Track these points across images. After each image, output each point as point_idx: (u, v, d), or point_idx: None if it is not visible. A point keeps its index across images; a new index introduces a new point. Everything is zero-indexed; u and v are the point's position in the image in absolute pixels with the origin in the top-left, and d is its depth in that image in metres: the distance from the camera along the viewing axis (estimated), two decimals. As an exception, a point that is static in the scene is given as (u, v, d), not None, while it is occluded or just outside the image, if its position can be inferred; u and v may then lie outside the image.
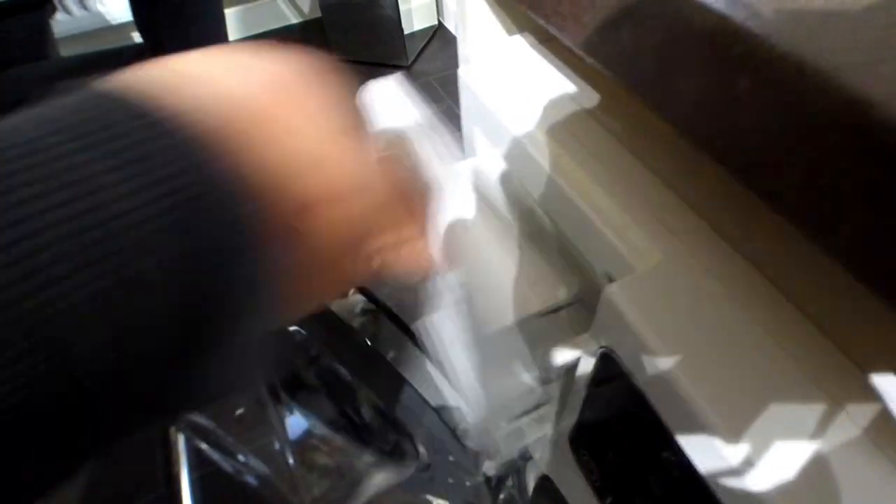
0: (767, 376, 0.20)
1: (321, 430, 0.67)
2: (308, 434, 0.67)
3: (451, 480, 0.65)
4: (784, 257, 0.22)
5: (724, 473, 0.19)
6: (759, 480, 0.18)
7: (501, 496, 0.65)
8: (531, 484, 0.54)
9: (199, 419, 0.63)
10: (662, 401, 0.20)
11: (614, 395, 0.23)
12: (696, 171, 0.23)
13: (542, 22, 0.25)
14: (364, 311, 0.55)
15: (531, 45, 0.33)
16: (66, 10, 1.67)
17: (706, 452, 0.19)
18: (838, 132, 0.15)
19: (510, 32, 0.36)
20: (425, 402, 0.53)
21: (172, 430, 0.68)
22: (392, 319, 0.54)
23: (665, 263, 0.21)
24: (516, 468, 0.57)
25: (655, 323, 0.20)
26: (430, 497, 0.72)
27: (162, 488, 1.14)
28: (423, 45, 1.90)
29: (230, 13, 1.95)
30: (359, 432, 0.66)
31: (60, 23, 1.67)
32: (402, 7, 1.70)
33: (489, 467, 0.56)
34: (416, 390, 0.53)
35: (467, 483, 0.62)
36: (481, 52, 0.34)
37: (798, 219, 0.16)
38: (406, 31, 1.78)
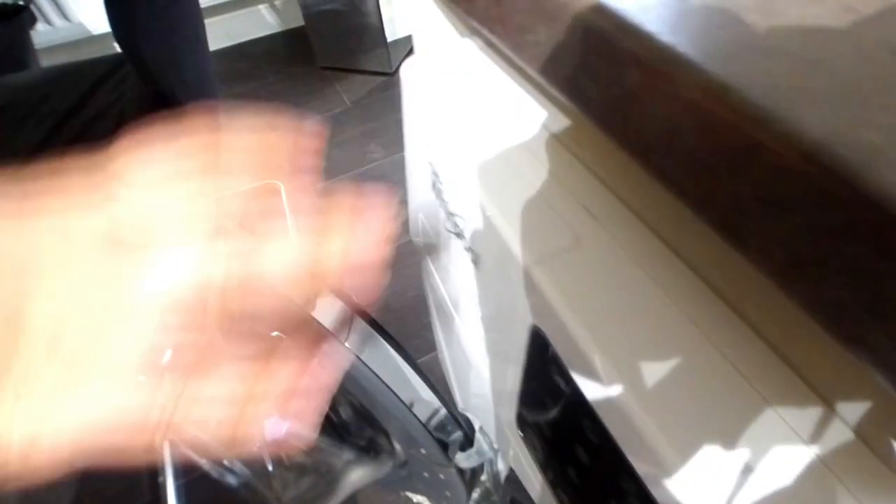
0: (682, 354, 0.22)
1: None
2: (286, 434, 0.68)
3: (426, 475, 0.66)
4: (693, 237, 0.23)
5: (637, 446, 0.20)
6: (672, 460, 0.19)
7: (477, 490, 0.66)
8: (503, 475, 0.55)
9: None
10: (581, 374, 0.21)
11: (547, 370, 0.25)
12: (615, 157, 0.25)
13: (475, 24, 0.27)
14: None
15: (479, 48, 0.35)
16: (48, 21, 1.67)
17: (620, 423, 0.21)
18: (705, 115, 0.16)
19: (462, 34, 0.37)
20: (398, 397, 0.54)
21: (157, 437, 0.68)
22: (364, 317, 0.55)
23: (586, 246, 0.23)
24: (488, 460, 0.58)
25: (573, 300, 0.21)
26: (409, 494, 0.73)
27: (147, 496, 1.13)
28: (406, 52, 1.92)
29: (214, 22, 1.96)
30: (336, 430, 0.67)
31: (41, 33, 1.68)
32: (385, 15, 1.72)
33: (461, 459, 0.57)
34: (388, 387, 0.54)
35: (441, 476, 0.63)
36: (429, 50, 0.36)
37: (682, 193, 0.18)
38: (389, 39, 1.80)
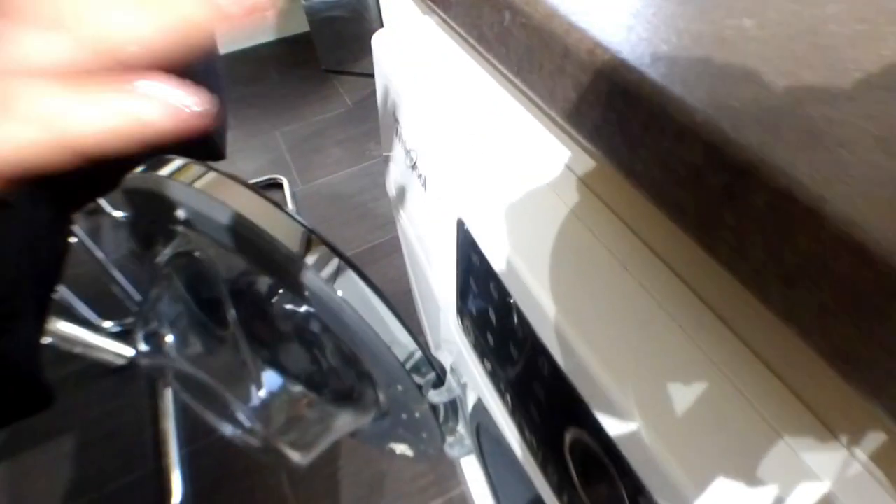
0: (572, 247, 0.28)
1: (293, 378, 0.75)
2: (282, 383, 0.75)
3: (404, 416, 0.73)
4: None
5: (531, 307, 0.26)
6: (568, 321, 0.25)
7: (451, 436, 0.72)
8: (471, 405, 0.62)
9: (188, 368, 0.70)
10: (490, 255, 0.28)
11: (472, 259, 0.32)
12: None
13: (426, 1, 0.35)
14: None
15: (434, 23, 0.43)
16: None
17: (526, 296, 0.27)
18: (577, 66, 0.23)
19: (423, 13, 0.45)
20: (379, 338, 0.61)
21: (160, 383, 0.74)
22: (343, 259, 0.61)
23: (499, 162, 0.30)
24: (457, 396, 0.65)
25: (483, 198, 0.28)
26: (392, 445, 0.80)
27: (150, 462, 1.20)
28: (405, 56, 2.00)
29: (223, 28, 2.06)
30: (325, 376, 0.74)
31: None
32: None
33: (433, 396, 0.64)
34: (371, 328, 0.60)
35: (417, 415, 0.70)
36: (396, 25, 0.43)
37: (581, 133, 0.25)
38: (389, 43, 1.89)
